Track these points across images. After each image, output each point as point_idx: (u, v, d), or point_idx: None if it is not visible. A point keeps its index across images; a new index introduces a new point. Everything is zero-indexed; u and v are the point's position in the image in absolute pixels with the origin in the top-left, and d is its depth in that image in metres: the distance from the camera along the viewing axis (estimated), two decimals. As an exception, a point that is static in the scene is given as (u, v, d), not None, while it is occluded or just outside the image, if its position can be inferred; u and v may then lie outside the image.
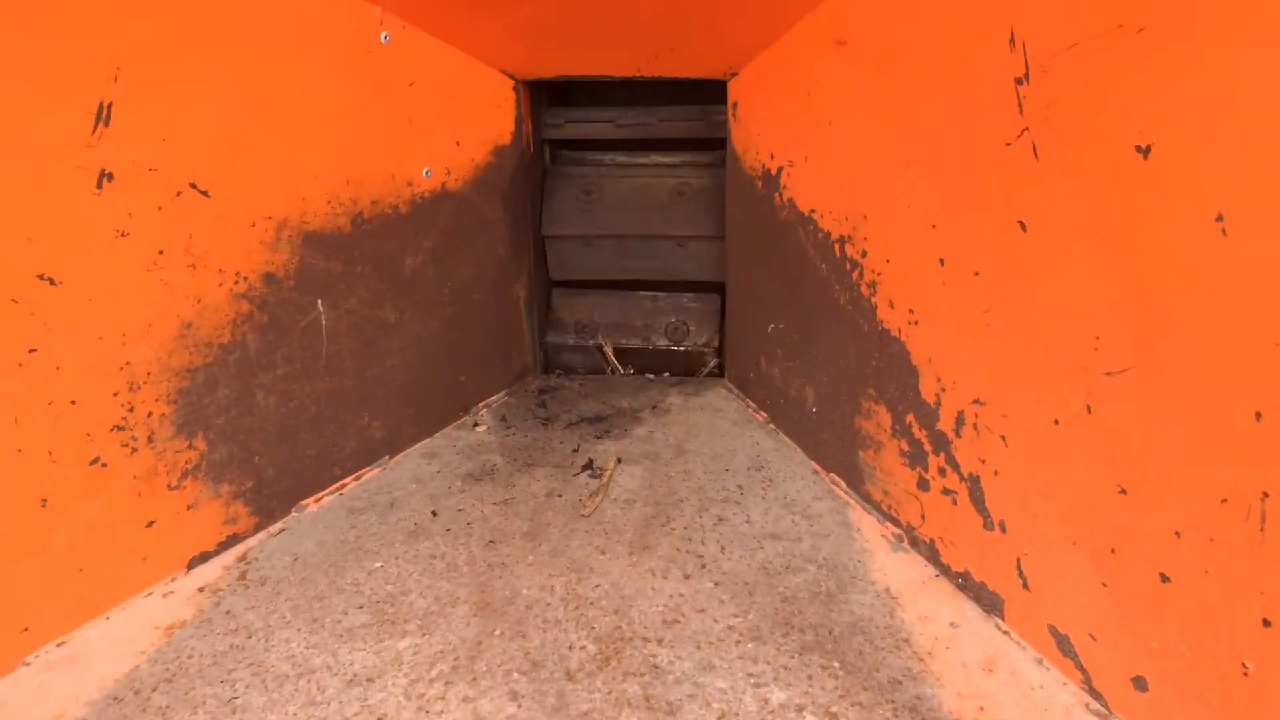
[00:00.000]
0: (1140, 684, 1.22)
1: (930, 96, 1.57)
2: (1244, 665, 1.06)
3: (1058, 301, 1.30)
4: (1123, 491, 1.22)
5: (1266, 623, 1.02)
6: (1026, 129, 1.30)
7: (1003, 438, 1.46)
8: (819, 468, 2.13)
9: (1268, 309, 0.96)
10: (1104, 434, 1.24)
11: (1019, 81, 1.31)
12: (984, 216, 1.44)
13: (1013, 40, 1.31)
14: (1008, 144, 1.35)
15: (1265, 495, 1.00)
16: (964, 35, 1.44)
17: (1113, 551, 1.25)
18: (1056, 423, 1.33)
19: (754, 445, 2.29)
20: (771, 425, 2.42)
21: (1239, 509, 1.04)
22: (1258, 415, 0.99)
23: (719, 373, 2.91)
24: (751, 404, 2.58)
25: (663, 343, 2.88)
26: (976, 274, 1.47)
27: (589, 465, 2.18)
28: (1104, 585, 1.27)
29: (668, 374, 2.93)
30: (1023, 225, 1.34)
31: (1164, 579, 1.16)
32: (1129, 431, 1.20)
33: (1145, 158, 1.10)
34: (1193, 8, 1.02)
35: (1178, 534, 1.13)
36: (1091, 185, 1.20)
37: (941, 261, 1.56)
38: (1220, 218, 1.00)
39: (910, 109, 1.63)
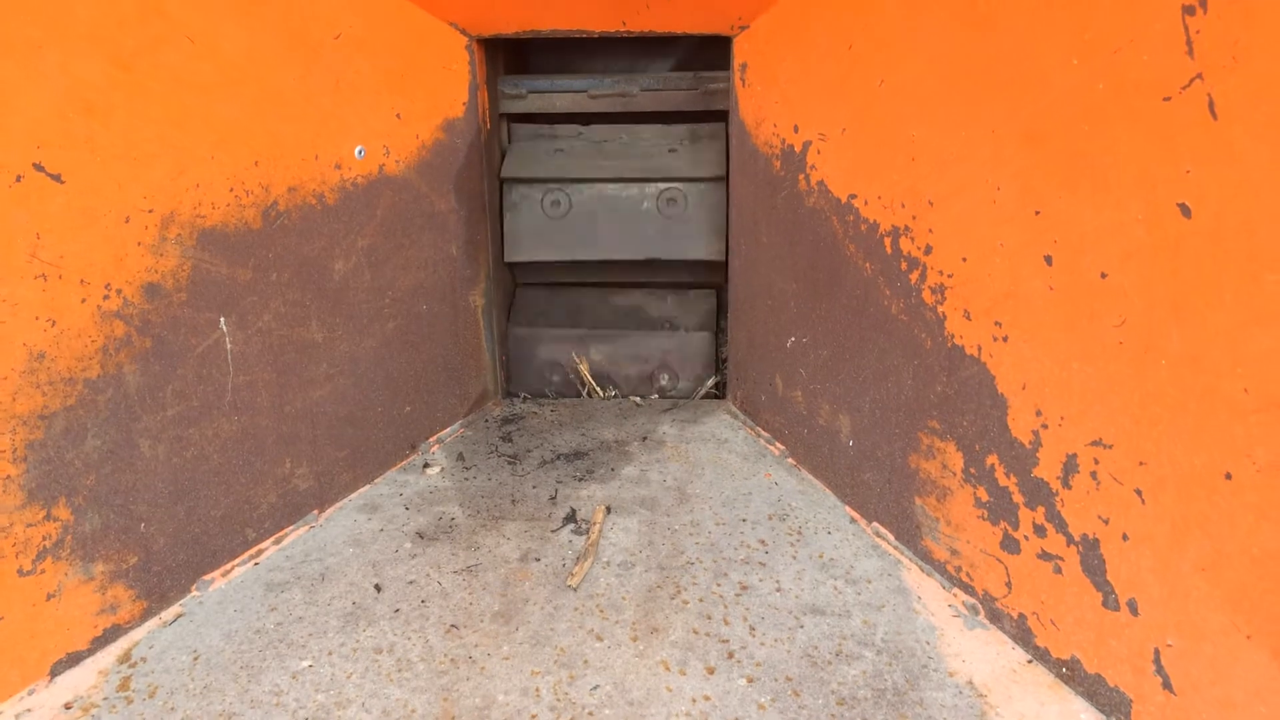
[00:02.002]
0: None
1: (1039, 36, 1.31)
2: None
3: (1238, 313, 1.04)
4: (1330, 574, 0.96)
5: None
6: (1199, 76, 1.04)
7: (1138, 492, 1.20)
8: (858, 516, 1.88)
9: None
10: (1307, 495, 0.99)
11: (1189, 11, 1.04)
12: (1121, 199, 1.18)
13: (1180, -55, 1.04)
14: (1166, 99, 1.08)
15: None
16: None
17: (1325, 650, 1.00)
18: (1229, 477, 1.07)
19: (773, 487, 2.03)
20: (792, 460, 2.19)
21: None
22: None
23: (719, 393, 2.69)
24: (764, 434, 2.36)
25: (647, 364, 2.66)
26: (1104, 276, 1.21)
27: (571, 517, 1.91)
28: (1300, 695, 1.02)
29: (656, 396, 2.70)
30: (1185, 210, 1.07)
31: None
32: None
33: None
34: None
35: None
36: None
37: (1048, 259, 1.30)
38: None
39: (1006, 56, 1.37)
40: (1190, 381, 1.12)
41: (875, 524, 1.83)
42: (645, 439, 2.34)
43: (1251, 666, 1.09)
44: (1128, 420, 1.23)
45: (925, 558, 1.68)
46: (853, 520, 1.88)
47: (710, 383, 2.69)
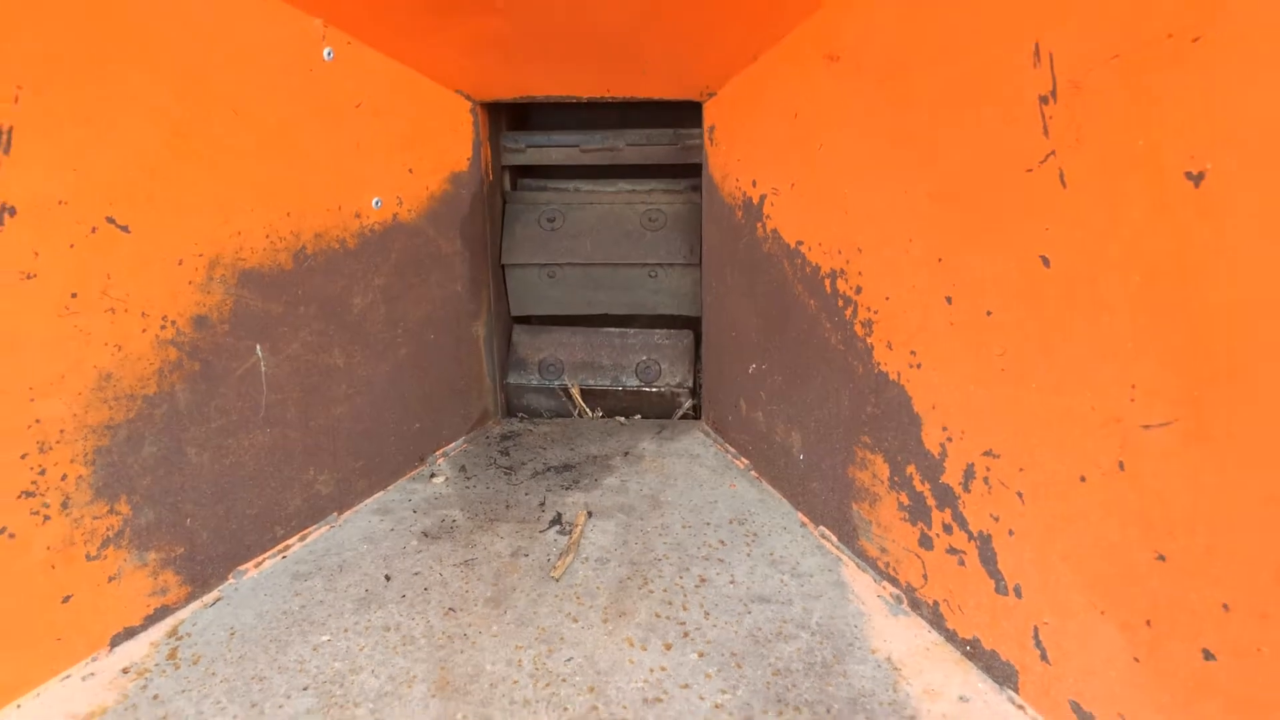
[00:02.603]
0: None
1: (938, 117, 1.46)
2: None
3: (1087, 346, 1.20)
4: (1161, 558, 1.11)
5: None
6: (1053, 153, 1.20)
7: (1019, 494, 1.35)
8: (807, 520, 2.01)
9: None
10: (1140, 494, 1.14)
11: (1044, 100, 1.20)
12: (1000, 251, 1.34)
13: (1038, 53, 1.21)
14: (1029, 170, 1.24)
15: None
16: (979, 48, 1.34)
17: (1148, 624, 1.15)
18: (1083, 480, 1.23)
19: (736, 495, 2.17)
20: (754, 473, 2.31)
21: None
22: None
23: (695, 414, 2.81)
24: (731, 450, 2.47)
25: (633, 383, 2.78)
26: (989, 313, 1.37)
27: (557, 520, 2.04)
28: (1136, 660, 1.17)
29: (639, 416, 2.83)
30: (1046, 261, 1.24)
31: (1208, 656, 1.06)
32: (1170, 492, 1.10)
33: (1197, 186, 1.00)
34: (1258, 12, 0.92)
35: (1226, 607, 1.03)
36: (1132, 216, 1.10)
37: (949, 299, 1.46)
38: (1284, 256, 0.90)
39: (914, 131, 1.53)
40: (1053, 402, 1.28)
41: (821, 527, 1.96)
42: (627, 454, 2.46)
43: (1104, 638, 1.22)
44: (1010, 433, 1.37)
45: (860, 555, 1.82)
46: (802, 524, 2.01)
47: (687, 405, 2.80)
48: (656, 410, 2.84)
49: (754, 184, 2.17)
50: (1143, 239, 1.09)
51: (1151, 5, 1.04)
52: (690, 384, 2.78)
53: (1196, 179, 0.99)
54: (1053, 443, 1.28)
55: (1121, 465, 1.16)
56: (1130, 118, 1.09)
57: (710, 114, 2.43)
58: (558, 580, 1.78)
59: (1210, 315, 1.01)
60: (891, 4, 1.56)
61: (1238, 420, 0.99)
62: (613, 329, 2.88)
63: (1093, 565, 1.24)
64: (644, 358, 2.80)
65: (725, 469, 2.36)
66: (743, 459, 2.40)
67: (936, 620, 1.59)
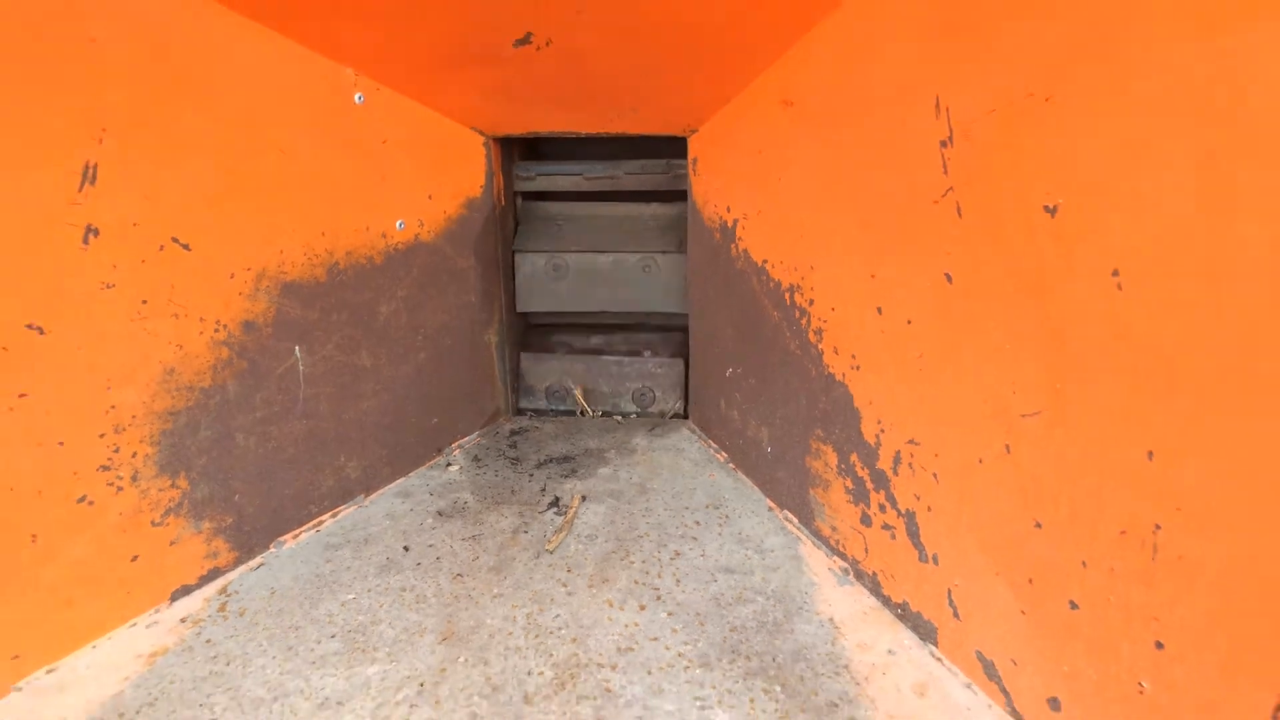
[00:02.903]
0: (1055, 705, 1.30)
1: (866, 156, 1.67)
2: (1141, 685, 1.14)
3: (980, 348, 1.40)
4: (1038, 525, 1.30)
5: (1160, 645, 1.10)
6: (951, 189, 1.41)
7: (935, 476, 1.55)
8: (773, 505, 2.21)
9: (1157, 358, 1.05)
10: (1020, 472, 1.33)
11: (944, 144, 1.41)
12: (915, 269, 1.54)
13: (938, 106, 1.41)
14: (935, 202, 1.45)
15: (1157, 527, 1.09)
16: (895, 100, 1.55)
17: (1030, 581, 1.33)
18: (980, 462, 1.42)
19: (713, 484, 2.38)
20: (730, 465, 2.50)
21: (1135, 540, 1.12)
22: (1150, 454, 1.08)
23: (684, 414, 3.01)
24: (713, 444, 2.66)
25: (631, 408, 3.02)
26: (909, 322, 1.57)
27: (555, 503, 2.25)
28: (1023, 613, 1.36)
29: (634, 415, 3.03)
30: (949, 277, 1.44)
31: (1073, 606, 1.24)
32: (1042, 470, 1.29)
33: (1053, 217, 1.20)
34: (1092, 78, 1.13)
35: (1084, 564, 1.22)
36: (1007, 241, 1.30)
37: (879, 310, 1.66)
38: (1116, 273, 1.10)
39: (848, 167, 1.74)
40: (957, 396, 1.47)
41: (785, 511, 2.15)
42: (620, 448, 2.66)
43: (1000, 596, 1.40)
44: (927, 424, 1.56)
45: (816, 534, 2.01)
46: (769, 509, 2.20)
47: (678, 405, 3.00)
48: (650, 410, 3.05)
49: (729, 209, 2.37)
50: (1016, 260, 1.29)
51: (1016, 70, 1.25)
52: (681, 409, 3.00)
53: (1052, 211, 1.20)
54: (958, 431, 1.48)
55: (1008, 448, 1.35)
56: (1005, 160, 1.29)
57: (693, 148, 2.62)
58: (552, 553, 1.99)
59: (1063, 322, 1.21)
60: (828, 59, 1.77)
61: (1085, 408, 1.19)
62: (610, 358, 3.09)
63: (989, 534, 1.43)
64: (640, 385, 3.03)
65: (706, 462, 2.56)
66: (722, 453, 2.59)
67: (875, 588, 1.78)
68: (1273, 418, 0.92)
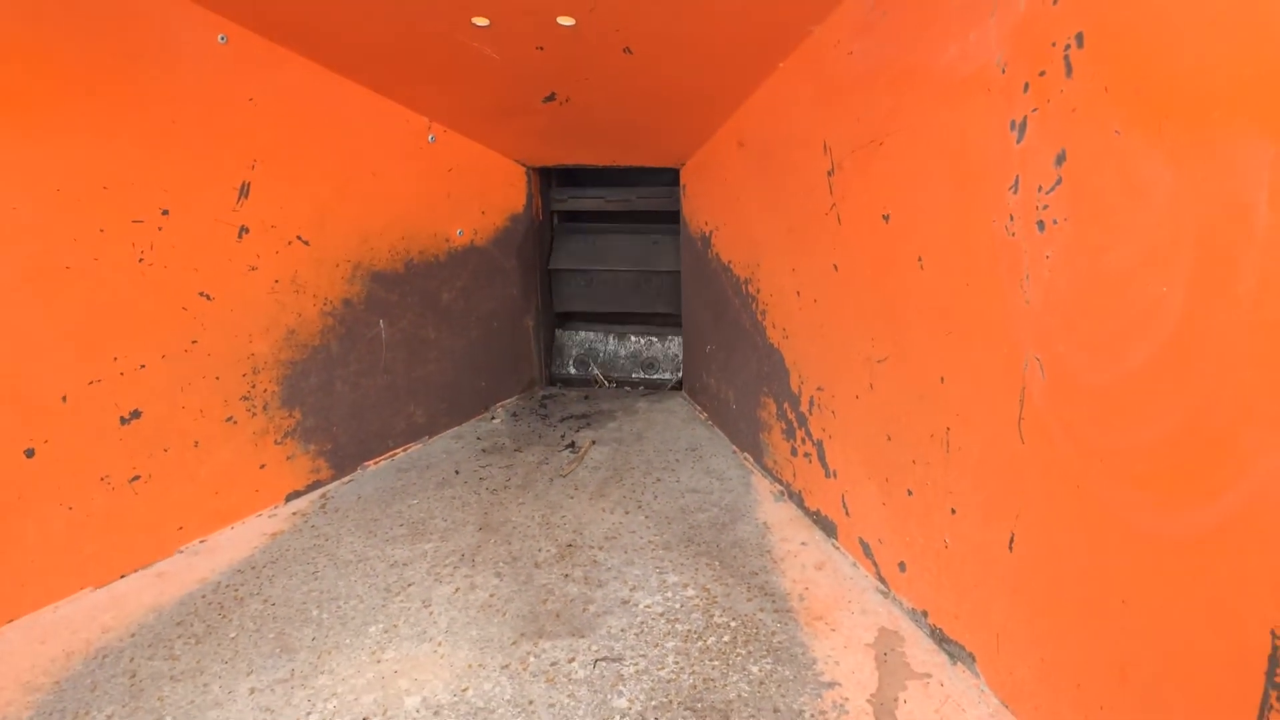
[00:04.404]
0: (902, 567, 1.68)
1: (787, 182, 2.09)
2: (945, 542, 1.53)
3: (854, 315, 1.80)
4: (889, 438, 1.69)
5: (953, 511, 1.49)
6: (834, 204, 1.82)
7: (833, 412, 1.95)
8: (736, 448, 2.62)
9: (944, 314, 1.45)
10: (878, 401, 1.73)
11: (829, 174, 1.83)
12: (816, 262, 1.95)
13: (825, 148, 1.83)
14: (825, 213, 1.86)
15: (948, 429, 1.48)
16: (801, 143, 1.97)
17: (886, 480, 1.72)
18: (857, 397, 1.81)
19: (693, 435, 2.79)
20: (709, 421, 2.91)
21: (938, 440, 1.51)
22: (942, 379, 1.48)
23: (679, 386, 3.40)
24: (698, 407, 3.07)
25: (640, 374, 3.43)
26: (815, 301, 1.98)
27: (571, 445, 2.68)
28: (883, 504, 1.74)
29: (642, 387, 3.44)
30: (835, 267, 1.85)
31: (909, 494, 1.63)
32: (889, 398, 1.68)
33: (887, 222, 1.61)
34: (902, 132, 1.54)
35: (914, 461, 1.61)
36: (864, 239, 1.71)
37: (798, 293, 2.07)
38: (920, 259, 1.50)
39: (777, 190, 2.16)
40: (843, 350, 1.86)
41: (745, 452, 2.55)
42: (627, 410, 3.07)
43: (870, 495, 1.79)
44: (827, 373, 1.96)
45: (763, 468, 2.40)
46: (733, 451, 2.61)
47: (674, 379, 3.40)
48: (653, 382, 3.47)
49: (706, 224, 2.78)
50: (869, 252, 1.70)
51: (864, 125, 1.66)
52: (675, 367, 3.40)
53: (887, 218, 1.61)
54: (844, 376, 1.87)
55: (871, 386, 1.75)
56: (861, 184, 1.71)
57: (683, 176, 3.03)
58: (565, 478, 2.42)
59: (894, 292, 1.62)
60: (763, 114, 2.19)
61: (909, 351, 1.59)
62: (626, 328, 3.52)
63: (863, 449, 1.82)
64: (645, 350, 3.44)
65: (692, 419, 2.97)
66: (704, 413, 2.99)
67: (800, 503, 2.17)
68: (996, 350, 1.32)
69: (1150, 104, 0.98)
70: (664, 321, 3.49)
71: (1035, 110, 1.18)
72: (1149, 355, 1.01)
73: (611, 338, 3.52)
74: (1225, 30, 0.88)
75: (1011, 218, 1.25)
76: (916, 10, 1.47)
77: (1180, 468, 0.97)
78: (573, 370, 3.47)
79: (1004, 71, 1.24)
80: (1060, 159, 1.14)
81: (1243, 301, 0.87)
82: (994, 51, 1.26)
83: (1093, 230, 1.09)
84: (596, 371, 3.42)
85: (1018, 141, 1.22)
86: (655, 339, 3.50)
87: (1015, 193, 1.23)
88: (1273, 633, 0.86)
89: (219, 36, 1.88)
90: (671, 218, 3.30)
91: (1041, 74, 1.16)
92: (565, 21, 1.83)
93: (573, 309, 3.51)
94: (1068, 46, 1.11)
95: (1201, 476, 0.94)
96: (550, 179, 3.36)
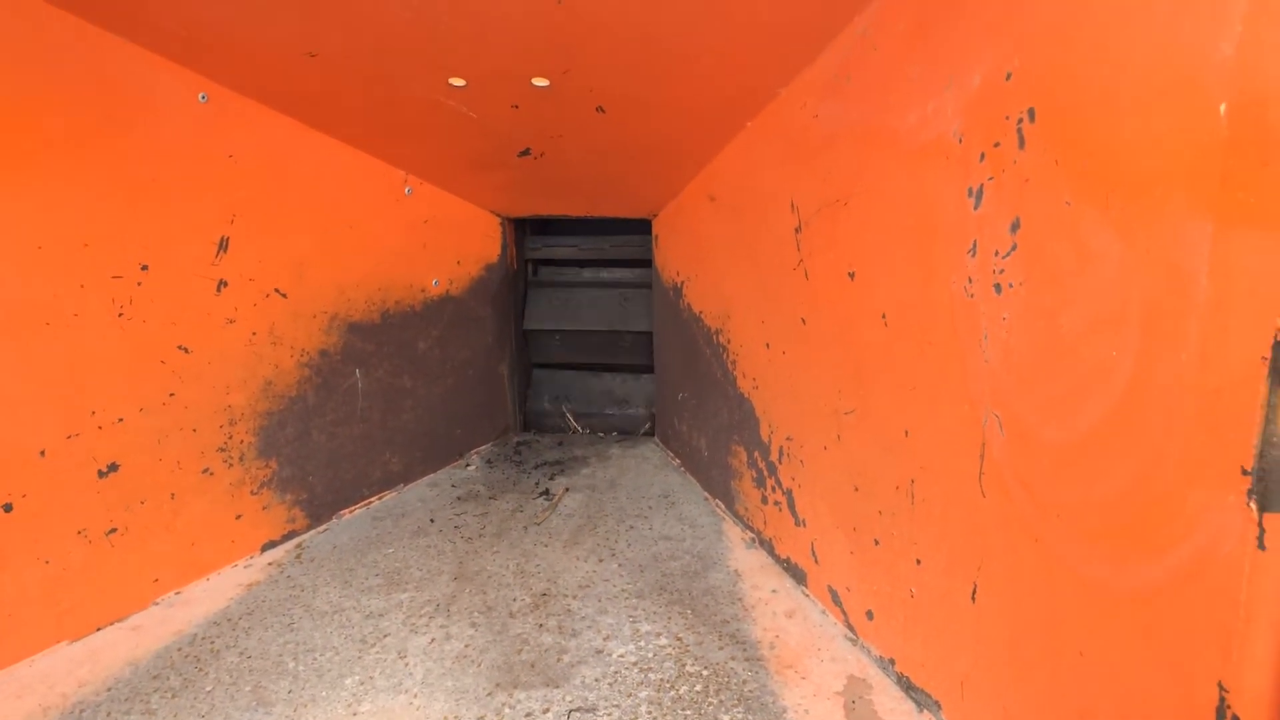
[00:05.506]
0: (870, 616, 1.71)
1: (755, 237, 2.13)
2: (911, 591, 1.55)
3: (821, 368, 1.83)
4: (856, 489, 1.72)
5: (918, 561, 1.52)
6: (802, 260, 1.86)
7: (802, 461, 1.97)
8: (708, 495, 2.64)
9: (907, 369, 1.49)
10: (846, 453, 1.76)
11: (797, 231, 1.87)
12: (785, 315, 1.99)
13: (793, 206, 1.88)
14: (793, 269, 1.90)
15: (913, 481, 1.51)
16: (769, 200, 2.02)
17: (854, 529, 1.74)
18: (825, 448, 1.85)
19: (666, 481, 2.81)
20: (681, 467, 2.93)
21: (903, 492, 1.55)
22: (906, 433, 1.51)
23: (652, 432, 3.42)
24: (670, 453, 3.08)
25: (612, 410, 3.44)
26: (784, 353, 2.01)
27: (545, 493, 2.69)
28: (851, 554, 1.77)
29: (615, 432, 3.45)
30: (803, 320, 1.89)
31: (876, 543, 1.66)
32: (857, 450, 1.72)
33: (852, 280, 1.65)
34: (865, 194, 1.59)
35: (880, 512, 1.64)
36: (831, 295, 1.75)
37: (768, 345, 2.10)
38: (885, 316, 1.54)
39: (746, 244, 2.20)
40: (811, 402, 1.89)
41: (716, 499, 2.57)
42: (600, 456, 3.09)
43: (839, 543, 1.81)
44: (796, 423, 1.99)
45: (735, 515, 2.42)
46: (705, 498, 2.63)
47: (646, 425, 3.41)
48: (625, 426, 3.47)
49: (678, 274, 2.82)
50: (835, 308, 1.74)
51: (830, 185, 1.71)
52: (648, 414, 3.42)
53: (852, 275, 1.65)
54: (813, 427, 1.90)
55: (839, 437, 1.78)
56: (826, 242, 1.75)
57: (656, 227, 3.08)
58: (539, 526, 2.43)
59: (860, 348, 1.65)
60: (733, 170, 2.25)
61: (875, 405, 1.62)
62: (600, 375, 3.54)
63: (832, 499, 1.84)
64: (618, 396, 3.46)
65: (664, 466, 2.99)
66: (676, 459, 3.01)
67: (771, 550, 2.19)
68: (957, 406, 1.35)
69: (1098, 178, 1.03)
70: (636, 368, 3.51)
71: (991, 179, 1.23)
72: (1100, 415, 1.05)
73: (586, 375, 3.55)
74: (1163, 112, 0.93)
75: (970, 280, 1.29)
76: (878, 78, 1.52)
77: (1131, 524, 1.01)
78: (547, 405, 3.48)
79: (961, 141, 1.29)
80: (1015, 226, 1.18)
81: (1186, 367, 0.91)
82: (951, 122, 1.32)
83: (1046, 295, 1.13)
84: (570, 418, 3.43)
85: (975, 207, 1.27)
86: (629, 377, 3.53)
87: (973, 256, 1.28)
88: (1220, 684, 0.89)
89: (200, 95, 1.91)
90: (643, 263, 3.33)
91: (996, 145, 1.21)
92: (540, 83, 1.87)
93: (546, 358, 3.53)
94: (1020, 120, 1.16)
95: (1151, 532, 0.98)
96: (525, 228, 3.40)
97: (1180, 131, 0.91)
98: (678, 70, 1.77)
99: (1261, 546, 0.84)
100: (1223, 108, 0.86)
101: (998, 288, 1.22)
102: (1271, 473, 0.83)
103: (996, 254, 1.22)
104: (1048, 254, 1.13)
